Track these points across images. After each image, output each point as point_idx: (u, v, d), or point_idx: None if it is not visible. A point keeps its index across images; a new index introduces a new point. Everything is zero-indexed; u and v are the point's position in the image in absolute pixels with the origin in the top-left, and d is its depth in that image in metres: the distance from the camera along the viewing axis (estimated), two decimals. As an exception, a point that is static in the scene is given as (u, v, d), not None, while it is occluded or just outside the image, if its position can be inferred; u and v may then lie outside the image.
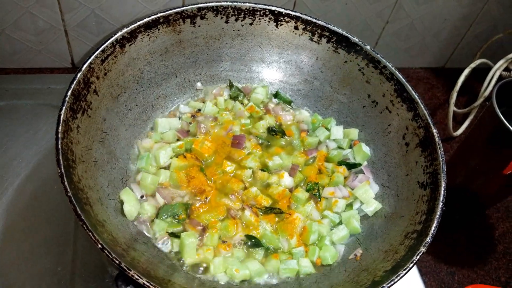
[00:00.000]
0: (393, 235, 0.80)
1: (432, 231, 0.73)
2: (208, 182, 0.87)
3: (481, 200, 1.08)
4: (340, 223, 0.87)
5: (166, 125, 0.93)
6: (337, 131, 0.99)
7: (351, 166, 0.94)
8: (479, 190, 1.04)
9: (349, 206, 0.90)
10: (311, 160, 0.96)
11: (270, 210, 0.85)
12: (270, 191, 0.88)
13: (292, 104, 1.05)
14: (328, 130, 1.00)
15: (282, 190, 0.87)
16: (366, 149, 0.95)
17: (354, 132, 0.98)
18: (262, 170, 0.90)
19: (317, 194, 0.89)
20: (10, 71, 1.15)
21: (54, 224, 0.88)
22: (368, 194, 0.89)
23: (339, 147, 0.97)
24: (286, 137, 0.98)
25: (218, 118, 0.98)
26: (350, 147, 0.98)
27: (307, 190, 0.89)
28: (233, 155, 0.92)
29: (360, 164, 0.94)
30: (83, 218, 0.63)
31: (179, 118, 0.96)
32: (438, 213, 0.74)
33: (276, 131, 0.97)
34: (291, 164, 0.92)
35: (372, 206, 0.88)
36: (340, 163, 0.95)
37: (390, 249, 0.77)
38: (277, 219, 0.85)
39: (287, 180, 0.90)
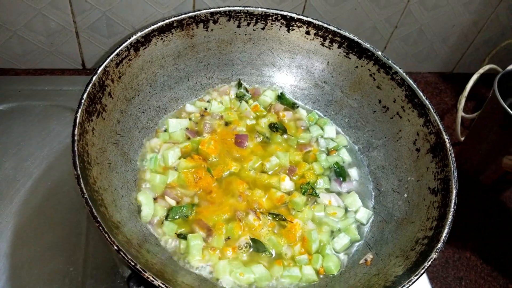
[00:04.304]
0: (404, 240, 0.80)
1: (443, 237, 0.73)
2: (214, 184, 0.88)
3: (489, 187, 1.11)
4: (340, 231, 0.88)
5: (177, 125, 0.94)
6: (330, 131, 1.01)
7: (338, 174, 0.96)
8: (487, 179, 1.07)
9: (346, 214, 0.91)
10: (309, 152, 0.97)
11: (275, 216, 0.85)
12: (270, 196, 0.88)
13: (294, 106, 1.05)
14: (322, 129, 1.02)
15: (280, 196, 0.88)
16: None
17: (342, 140, 1.01)
18: (263, 172, 0.91)
19: (314, 193, 0.90)
20: (20, 72, 1.16)
21: (66, 225, 0.89)
22: (356, 203, 0.91)
23: (327, 149, 1.00)
24: (286, 135, 0.99)
25: (224, 117, 0.99)
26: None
27: (303, 193, 0.90)
28: (235, 154, 0.93)
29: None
30: (99, 219, 0.64)
31: (190, 119, 0.97)
32: (450, 220, 0.75)
33: (277, 128, 0.99)
34: (288, 164, 0.93)
35: (364, 214, 0.89)
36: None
37: (401, 255, 0.77)
38: (278, 226, 0.85)
39: (287, 184, 0.90)
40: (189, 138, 0.94)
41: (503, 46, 1.35)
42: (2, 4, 1.02)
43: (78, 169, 0.67)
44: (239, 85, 1.04)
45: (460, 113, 1.21)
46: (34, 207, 0.90)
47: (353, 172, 0.97)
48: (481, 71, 1.22)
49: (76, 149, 0.69)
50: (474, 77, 1.21)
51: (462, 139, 1.25)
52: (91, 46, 1.16)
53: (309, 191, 0.90)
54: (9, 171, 0.94)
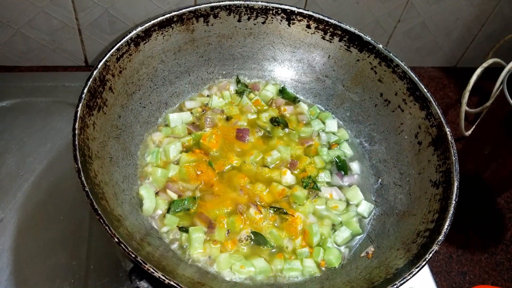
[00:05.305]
0: (406, 233, 0.80)
1: (444, 230, 0.72)
2: (215, 178, 0.88)
3: (493, 186, 1.10)
4: (341, 224, 0.88)
5: (178, 120, 0.94)
6: (332, 125, 1.01)
7: (339, 168, 0.96)
8: (491, 177, 1.06)
9: (347, 207, 0.91)
10: (311, 146, 0.97)
11: (276, 210, 0.85)
12: (271, 189, 0.88)
13: (296, 100, 1.05)
14: (324, 123, 1.02)
15: (282, 189, 0.88)
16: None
17: (344, 133, 1.01)
18: (264, 166, 0.91)
19: (315, 186, 0.90)
20: (24, 69, 1.17)
21: (69, 220, 0.89)
22: (357, 196, 0.90)
23: (328, 143, 1.00)
24: (287, 129, 0.99)
25: (225, 111, 0.99)
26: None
27: (304, 187, 0.90)
28: (237, 148, 0.93)
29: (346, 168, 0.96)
30: (99, 212, 0.64)
31: (191, 113, 0.97)
32: (451, 212, 0.74)
33: (279, 122, 0.99)
34: (289, 158, 0.93)
35: (365, 208, 0.89)
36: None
37: (402, 247, 0.77)
38: (279, 219, 0.86)
39: (289, 178, 0.90)
40: (190, 133, 0.94)
41: (507, 39, 1.33)
42: (5, 2, 1.03)
43: (79, 162, 0.68)
44: (238, 81, 1.04)
45: (464, 107, 1.20)
46: (37, 202, 0.91)
47: (355, 166, 0.97)
48: (484, 65, 1.21)
49: (76, 143, 0.70)
50: (478, 71, 1.20)
51: (466, 133, 1.24)
52: (94, 43, 1.16)
53: (311, 184, 0.90)
54: (12, 166, 0.95)
